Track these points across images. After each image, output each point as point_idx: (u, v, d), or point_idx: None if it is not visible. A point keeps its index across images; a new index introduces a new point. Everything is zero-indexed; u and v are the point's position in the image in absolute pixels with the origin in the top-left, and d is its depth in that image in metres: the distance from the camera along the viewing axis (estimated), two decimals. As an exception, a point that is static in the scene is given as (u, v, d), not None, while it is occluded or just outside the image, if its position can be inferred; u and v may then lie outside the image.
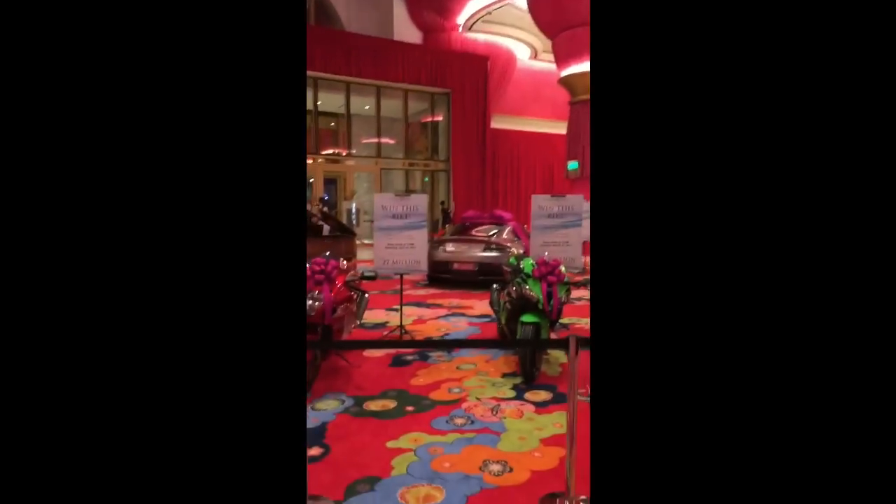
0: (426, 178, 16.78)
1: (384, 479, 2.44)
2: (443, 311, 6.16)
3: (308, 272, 3.47)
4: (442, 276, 7.69)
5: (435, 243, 8.01)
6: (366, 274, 3.75)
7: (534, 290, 3.76)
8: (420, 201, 4.83)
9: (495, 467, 2.56)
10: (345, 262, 3.94)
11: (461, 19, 16.66)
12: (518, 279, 3.92)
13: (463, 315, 5.98)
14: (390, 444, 2.78)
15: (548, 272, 3.76)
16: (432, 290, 7.56)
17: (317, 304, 3.39)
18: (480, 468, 2.54)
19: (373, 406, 3.31)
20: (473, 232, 8.17)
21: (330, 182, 15.55)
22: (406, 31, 16.45)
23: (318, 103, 14.54)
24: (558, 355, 4.37)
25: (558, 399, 3.48)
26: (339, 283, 3.56)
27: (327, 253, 3.74)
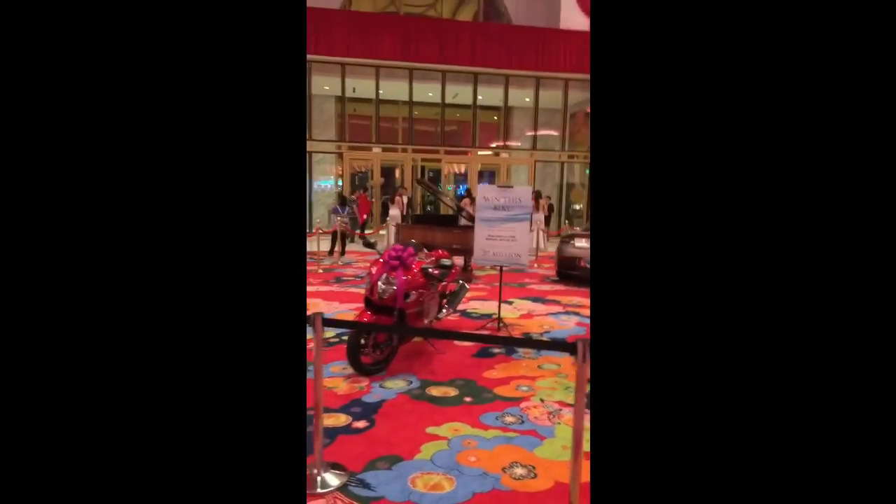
0: (588, 171, 16.10)
1: (406, 460, 2.52)
2: (557, 309, 5.95)
3: (385, 257, 3.68)
4: (570, 272, 7.39)
5: (564, 239, 7.71)
6: (443, 263, 3.83)
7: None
8: (524, 193, 4.72)
9: (520, 471, 2.46)
10: (426, 249, 4.06)
11: None
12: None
13: (577, 314, 5.70)
14: (429, 430, 2.84)
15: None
16: (558, 287, 7.32)
17: (391, 287, 3.58)
18: (504, 469, 2.47)
19: (434, 391, 3.40)
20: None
21: (489, 174, 15.90)
22: (574, 18, 15.88)
23: (479, 98, 14.91)
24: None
25: (632, 414, 3.16)
26: (415, 269, 3.70)
27: (412, 241, 3.91)
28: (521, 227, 4.71)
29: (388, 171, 15.40)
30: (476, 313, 5.59)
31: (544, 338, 4.77)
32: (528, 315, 5.62)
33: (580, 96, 15.43)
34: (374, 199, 13.91)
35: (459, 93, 14.80)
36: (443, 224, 8.13)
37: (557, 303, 6.28)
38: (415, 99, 14.41)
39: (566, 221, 15.04)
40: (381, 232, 11.40)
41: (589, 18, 15.76)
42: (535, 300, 6.40)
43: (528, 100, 15.27)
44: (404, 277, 3.59)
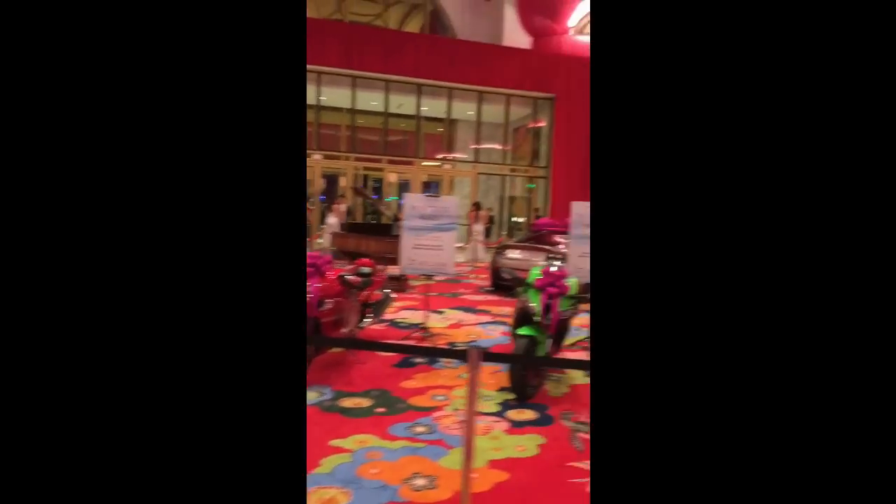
0: (530, 185, 16.45)
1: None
2: (486, 319, 5.98)
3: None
4: (503, 282, 7.46)
5: (498, 250, 7.82)
6: (362, 271, 3.76)
7: (533, 302, 3.49)
8: (450, 203, 4.74)
9: (420, 482, 2.42)
10: (347, 260, 3.99)
11: (572, 22, 16.10)
12: (521, 289, 3.67)
13: (505, 324, 5.74)
14: (334, 443, 2.75)
15: (548, 283, 3.46)
16: (491, 297, 7.38)
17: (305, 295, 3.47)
18: (405, 480, 2.41)
19: (347, 403, 3.31)
20: (544, 240, 7.82)
21: (434, 185, 15.95)
22: (516, 36, 16.30)
23: (424, 109, 14.97)
24: (574, 375, 4.01)
25: (543, 421, 3.19)
26: (331, 277, 3.61)
27: (332, 249, 3.82)
28: (447, 237, 4.71)
29: (331, 179, 15.13)
30: (404, 322, 5.53)
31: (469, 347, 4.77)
32: (457, 325, 5.61)
33: (522, 112, 15.80)
34: (313, 207, 13.63)
35: (404, 103, 14.81)
36: (377, 233, 8.04)
37: (488, 312, 6.32)
38: (358, 107, 14.28)
39: (504, 233, 15.28)
40: (319, 240, 11.16)
41: (531, 38, 16.25)
42: (466, 310, 6.42)
43: (471, 113, 15.47)
44: (318, 285, 3.49)
